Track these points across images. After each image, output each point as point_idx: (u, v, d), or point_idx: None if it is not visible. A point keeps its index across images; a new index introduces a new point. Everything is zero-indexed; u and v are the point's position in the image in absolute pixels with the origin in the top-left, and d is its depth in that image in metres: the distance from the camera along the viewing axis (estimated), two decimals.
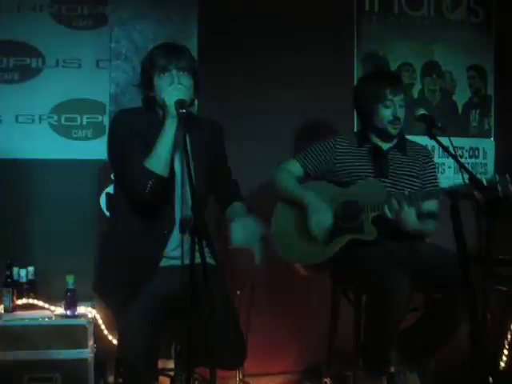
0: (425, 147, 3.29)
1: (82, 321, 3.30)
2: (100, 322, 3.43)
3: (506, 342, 3.47)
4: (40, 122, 3.70)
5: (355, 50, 4.02)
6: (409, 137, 3.29)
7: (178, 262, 2.53)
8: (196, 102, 2.80)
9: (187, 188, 2.30)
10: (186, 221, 2.20)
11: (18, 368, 3.20)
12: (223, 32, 3.73)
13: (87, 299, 3.41)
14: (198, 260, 2.19)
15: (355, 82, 3.95)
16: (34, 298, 3.43)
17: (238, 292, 3.47)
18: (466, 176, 2.51)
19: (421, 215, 3.04)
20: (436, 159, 3.72)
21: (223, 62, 3.70)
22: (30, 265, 3.47)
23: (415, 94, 4.13)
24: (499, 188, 2.59)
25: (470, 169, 3.60)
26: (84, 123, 3.74)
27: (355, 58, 4.02)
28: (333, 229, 3.02)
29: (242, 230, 2.62)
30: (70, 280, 3.35)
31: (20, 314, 3.35)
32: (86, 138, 3.74)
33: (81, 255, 3.51)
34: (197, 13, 3.59)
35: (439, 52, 4.18)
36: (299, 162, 3.20)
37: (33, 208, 3.65)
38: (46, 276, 3.52)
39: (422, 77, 4.15)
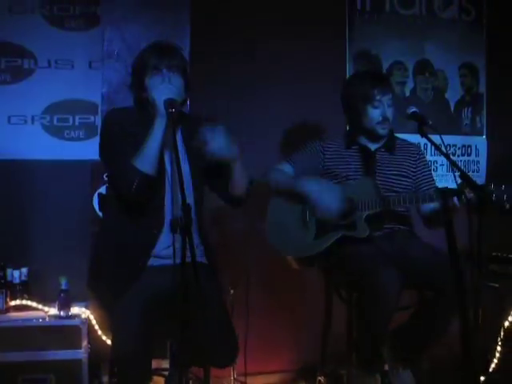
0: (415, 144, 3.29)
1: (75, 321, 3.30)
2: (94, 322, 3.42)
3: (498, 338, 3.47)
4: (32, 123, 3.71)
5: (347, 49, 4.03)
6: (400, 135, 3.29)
7: (169, 262, 2.54)
8: (188, 102, 2.78)
9: (178, 187, 2.30)
10: (176, 220, 2.20)
11: (11, 369, 3.20)
12: (215, 31, 3.73)
13: (81, 300, 3.41)
14: (189, 259, 2.19)
15: None
16: (27, 299, 3.43)
17: (232, 291, 3.47)
18: (458, 174, 2.52)
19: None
20: (428, 157, 3.74)
21: (215, 61, 3.71)
22: (24, 266, 3.47)
23: (407, 93, 4.14)
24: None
25: (461, 167, 3.65)
26: (76, 124, 3.75)
27: (347, 57, 4.03)
28: (325, 224, 3.03)
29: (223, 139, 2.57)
30: (63, 281, 3.35)
31: (13, 315, 3.35)
32: (79, 139, 3.75)
33: (74, 256, 3.51)
34: (189, 12, 3.58)
35: (431, 50, 4.19)
36: (289, 163, 3.21)
37: (26, 209, 3.66)
38: (40, 277, 3.52)
39: (414, 75, 4.16)
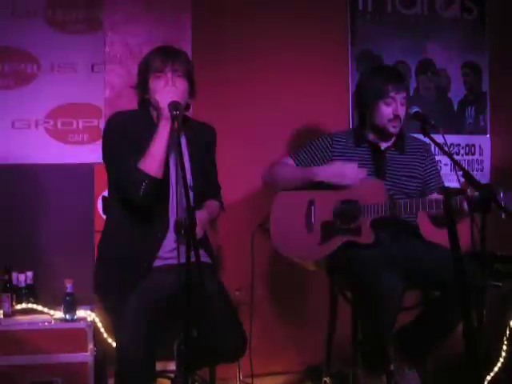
0: (424, 143, 3.18)
1: (81, 324, 3.31)
2: (99, 325, 3.42)
3: (504, 338, 3.47)
4: (36, 127, 3.72)
5: (349, 50, 4.02)
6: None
7: (174, 262, 2.55)
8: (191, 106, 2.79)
9: (182, 189, 2.31)
10: (180, 221, 2.21)
11: (17, 373, 3.22)
12: (217, 33, 3.74)
13: (86, 303, 3.42)
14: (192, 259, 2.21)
15: (350, 82, 3.98)
16: (33, 303, 3.44)
17: (237, 293, 3.47)
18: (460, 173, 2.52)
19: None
20: None
21: (217, 63, 3.71)
22: (29, 269, 3.47)
23: (410, 92, 4.12)
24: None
25: (465, 166, 3.64)
26: (80, 127, 3.76)
27: (350, 58, 4.02)
28: (330, 228, 3.01)
29: None
30: (68, 284, 3.35)
31: (19, 318, 3.36)
32: (82, 143, 3.76)
33: (79, 259, 3.52)
34: (190, 15, 3.60)
35: (433, 50, 4.18)
36: (293, 158, 3.17)
37: (30, 213, 3.66)
38: (45, 280, 3.53)
39: (416, 75, 4.16)
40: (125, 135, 2.61)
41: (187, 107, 2.71)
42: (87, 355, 3.27)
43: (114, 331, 2.68)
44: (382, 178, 3.06)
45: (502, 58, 4.25)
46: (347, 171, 2.98)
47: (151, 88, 2.62)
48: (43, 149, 3.71)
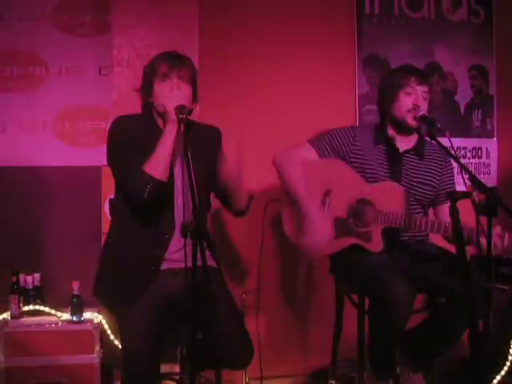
0: (444, 150, 2.94)
1: (88, 326, 3.34)
2: (106, 327, 3.45)
3: (511, 341, 3.46)
4: (44, 130, 3.74)
5: (356, 53, 4.02)
6: None
7: (179, 265, 2.56)
8: (194, 110, 2.80)
9: (188, 192, 2.32)
10: (186, 225, 2.22)
11: (25, 374, 3.25)
12: (224, 37, 3.75)
13: (93, 305, 3.43)
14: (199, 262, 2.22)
15: (356, 84, 3.98)
16: (40, 305, 3.47)
17: (244, 295, 3.48)
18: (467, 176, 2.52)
19: None
20: None
21: (224, 66, 3.72)
22: (36, 271, 3.50)
23: None
24: None
25: (471, 169, 3.63)
26: (88, 130, 3.78)
27: (356, 60, 4.02)
28: (341, 226, 2.97)
29: None
30: (75, 286, 3.39)
31: (27, 320, 3.38)
32: (90, 145, 3.77)
33: (86, 261, 3.52)
34: (197, 18, 3.61)
35: (440, 53, 4.17)
36: (314, 147, 3.06)
37: (37, 215, 3.68)
38: (52, 282, 3.56)
39: None
40: (129, 138, 2.62)
41: (190, 112, 2.72)
42: (94, 357, 3.30)
43: (120, 333, 2.69)
44: (397, 179, 3.01)
45: (509, 60, 4.24)
46: (313, 237, 2.92)
47: (156, 92, 2.63)
48: (51, 151, 3.73)
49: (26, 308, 3.43)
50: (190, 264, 2.24)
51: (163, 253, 2.64)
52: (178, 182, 2.61)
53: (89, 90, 3.75)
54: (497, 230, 2.67)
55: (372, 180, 3.01)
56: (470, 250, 2.48)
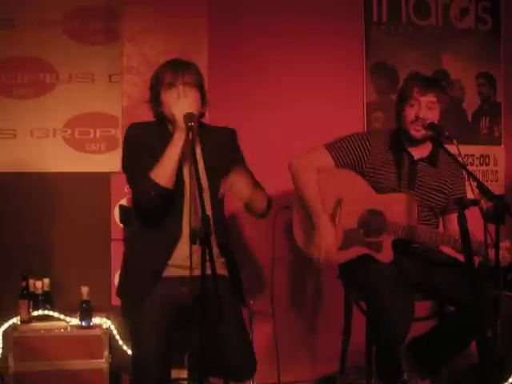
0: (457, 160, 2.90)
1: (96, 331, 3.35)
2: (115, 332, 3.46)
3: None
4: (54, 136, 3.77)
5: (364, 61, 4.04)
6: None
7: (187, 272, 2.58)
8: (205, 115, 2.81)
9: (196, 199, 2.34)
10: (195, 231, 2.23)
11: (34, 379, 3.26)
12: (233, 44, 3.78)
13: (102, 310, 3.46)
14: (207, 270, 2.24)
15: (364, 92, 4.00)
16: (49, 310, 3.48)
17: (252, 302, 3.48)
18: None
19: None
20: None
21: (233, 73, 3.74)
22: (46, 277, 3.51)
23: None
24: None
25: (479, 177, 3.63)
26: (97, 136, 3.80)
27: (364, 69, 4.04)
28: (352, 236, 2.98)
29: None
30: (84, 291, 3.40)
31: (36, 325, 3.40)
32: (99, 151, 3.80)
33: (95, 267, 3.56)
34: (206, 26, 3.64)
35: (448, 61, 4.19)
36: (330, 153, 3.05)
37: (47, 220, 3.71)
38: (61, 287, 3.57)
39: None
40: (141, 146, 2.64)
41: (201, 116, 2.74)
42: (102, 362, 3.31)
43: (131, 338, 2.70)
44: (411, 187, 3.01)
45: None
46: (322, 249, 2.92)
47: (164, 101, 2.65)
48: (61, 157, 3.76)
49: (35, 313, 3.44)
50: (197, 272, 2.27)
51: (167, 259, 2.64)
52: (188, 189, 2.63)
53: (99, 96, 3.78)
54: (506, 244, 2.67)
55: (386, 186, 3.01)
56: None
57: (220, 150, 2.77)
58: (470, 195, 3.04)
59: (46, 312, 3.47)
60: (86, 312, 3.38)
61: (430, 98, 2.94)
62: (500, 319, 2.48)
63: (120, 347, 3.46)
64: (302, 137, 3.89)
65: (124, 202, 3.50)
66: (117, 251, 3.35)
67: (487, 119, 4.28)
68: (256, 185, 2.69)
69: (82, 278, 3.48)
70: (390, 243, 2.93)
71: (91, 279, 3.44)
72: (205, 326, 2.30)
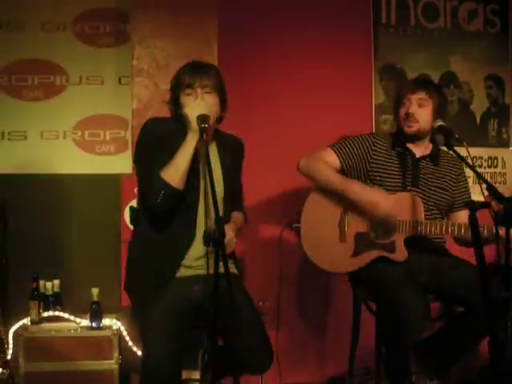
0: (457, 159, 3.07)
1: (106, 332, 3.36)
2: (125, 333, 3.47)
3: None
4: (64, 138, 3.80)
5: (373, 63, 4.05)
6: None
7: (200, 272, 2.60)
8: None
9: (210, 201, 2.35)
10: (209, 233, 2.25)
11: (44, 379, 3.27)
12: (243, 47, 3.79)
13: (112, 311, 3.47)
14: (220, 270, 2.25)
15: (373, 94, 4.01)
16: (59, 311, 3.49)
17: (260, 303, 3.49)
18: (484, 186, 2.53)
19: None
20: None
21: (243, 76, 3.75)
22: (56, 278, 3.53)
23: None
24: None
25: (488, 179, 3.64)
26: (107, 138, 3.83)
27: (373, 70, 4.05)
28: (364, 241, 2.99)
29: None
30: (94, 292, 3.41)
31: (46, 325, 3.41)
32: (109, 153, 3.82)
33: (105, 268, 3.58)
34: (217, 29, 3.65)
35: (456, 63, 4.19)
36: (336, 152, 3.09)
37: (57, 222, 3.73)
38: (72, 288, 3.59)
39: None
40: (157, 142, 2.64)
41: (219, 120, 2.75)
42: (112, 363, 3.31)
43: (141, 338, 2.71)
44: (415, 185, 3.04)
45: None
46: (382, 204, 2.93)
47: (182, 103, 2.67)
48: (71, 159, 3.78)
49: (45, 314, 3.46)
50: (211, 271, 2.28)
51: (180, 259, 2.66)
52: (201, 190, 2.64)
53: (109, 99, 3.81)
54: None
55: (391, 185, 3.04)
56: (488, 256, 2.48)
57: (232, 155, 2.81)
58: (477, 196, 3.06)
59: (57, 313, 3.48)
60: (96, 313, 3.39)
61: (421, 95, 3.02)
62: (510, 320, 2.49)
63: (130, 348, 3.47)
64: (310, 139, 3.89)
65: (134, 203, 3.50)
66: (127, 253, 3.36)
67: (495, 121, 4.28)
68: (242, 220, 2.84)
69: (92, 279, 3.50)
70: (403, 242, 2.94)
71: (101, 280, 3.46)
72: (219, 323, 2.32)
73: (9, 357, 3.42)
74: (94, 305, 3.40)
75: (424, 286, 2.95)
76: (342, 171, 3.09)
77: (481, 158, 4.22)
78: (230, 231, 2.59)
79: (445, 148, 3.12)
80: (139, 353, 3.37)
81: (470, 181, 4.09)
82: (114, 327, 3.41)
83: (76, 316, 3.48)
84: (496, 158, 4.26)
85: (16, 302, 3.50)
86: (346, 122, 3.87)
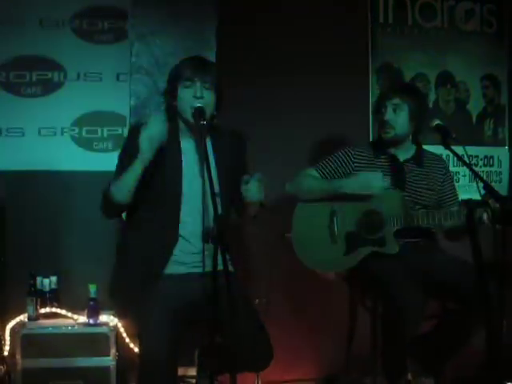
0: (440, 157, 3.28)
1: (104, 329, 3.35)
2: (122, 330, 3.47)
3: None
4: (62, 135, 3.79)
5: (370, 62, 4.06)
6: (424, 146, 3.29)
7: (197, 270, 2.61)
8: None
9: (209, 198, 2.36)
10: (207, 230, 2.26)
11: (41, 375, 3.27)
12: (241, 45, 3.80)
13: (109, 308, 3.46)
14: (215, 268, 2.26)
15: (370, 94, 4.02)
16: (56, 307, 3.50)
17: (257, 301, 3.50)
18: (481, 185, 2.55)
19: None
20: (451, 168, 3.73)
21: (241, 75, 3.76)
22: (53, 274, 3.53)
23: (430, 105, 4.15)
24: None
25: (484, 177, 3.66)
26: (105, 135, 3.83)
27: (370, 70, 4.06)
28: (354, 239, 3.05)
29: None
30: (92, 289, 3.41)
31: (43, 322, 3.42)
32: (107, 150, 3.82)
33: (103, 265, 3.55)
34: (215, 27, 3.66)
35: (453, 62, 4.22)
36: (319, 172, 3.19)
37: (55, 218, 3.73)
38: (69, 285, 3.59)
39: (436, 87, 4.19)
40: (134, 148, 2.63)
41: (213, 117, 2.76)
42: (109, 359, 3.31)
43: (138, 335, 2.72)
44: (401, 188, 3.10)
45: None
46: (373, 181, 3.01)
47: (179, 96, 2.68)
48: (69, 156, 3.78)
49: (42, 310, 3.46)
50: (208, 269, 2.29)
51: (169, 254, 2.67)
52: (199, 188, 2.64)
53: (106, 96, 3.80)
54: None
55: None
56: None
57: (231, 151, 2.80)
58: (472, 195, 3.08)
59: (54, 309, 3.49)
60: (94, 310, 3.39)
61: (394, 101, 3.09)
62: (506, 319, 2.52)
63: (127, 345, 3.48)
64: (307, 139, 3.93)
65: None
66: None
67: (491, 121, 4.30)
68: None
69: (90, 275, 3.49)
70: (392, 235, 3.00)
71: (99, 277, 3.44)
72: (217, 321, 2.33)
73: (6, 353, 3.42)
74: (91, 301, 3.40)
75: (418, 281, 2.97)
76: None
77: (477, 157, 4.24)
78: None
79: (427, 149, 3.22)
80: (136, 349, 3.38)
81: (466, 179, 4.15)
82: (112, 324, 3.40)
83: (73, 313, 3.48)
84: (492, 157, 4.29)
85: (13, 299, 3.49)
86: (343, 121, 3.89)
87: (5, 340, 3.44)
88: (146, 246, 2.69)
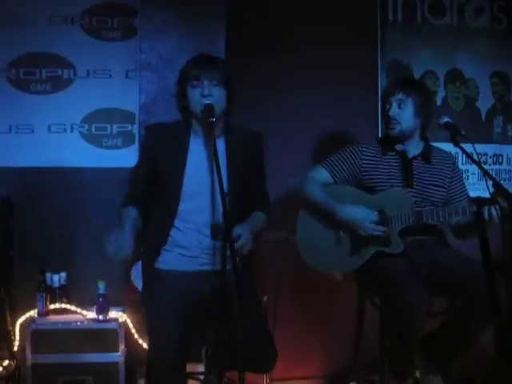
0: (449, 154, 3.24)
1: (113, 325, 3.38)
2: (131, 326, 3.49)
3: None
4: (72, 132, 3.81)
5: (379, 60, 4.05)
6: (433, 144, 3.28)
7: (208, 268, 2.62)
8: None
9: (218, 195, 2.37)
10: (217, 227, 2.26)
11: (50, 371, 3.30)
12: (250, 43, 3.79)
13: (118, 304, 3.49)
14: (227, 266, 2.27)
15: (379, 91, 4.01)
16: (66, 303, 3.52)
17: (265, 297, 3.51)
18: (490, 183, 2.55)
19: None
20: (460, 166, 3.73)
21: (250, 72, 3.76)
22: (63, 270, 3.56)
23: (439, 102, 4.15)
24: None
25: (493, 175, 3.65)
26: (114, 132, 3.84)
27: (379, 67, 4.06)
28: (359, 239, 3.03)
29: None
30: (101, 285, 3.43)
31: (53, 318, 3.44)
32: (116, 147, 3.83)
33: (112, 261, 3.58)
34: (224, 25, 3.66)
35: (462, 59, 4.20)
36: (326, 169, 3.17)
37: (64, 215, 3.74)
38: (78, 281, 3.61)
39: (445, 84, 4.18)
40: (154, 149, 2.72)
41: (227, 113, 2.76)
42: (118, 355, 3.33)
43: (148, 331, 2.73)
44: (409, 185, 3.08)
45: None
46: (364, 225, 2.98)
47: (188, 96, 2.69)
48: (78, 153, 3.79)
49: (52, 306, 3.49)
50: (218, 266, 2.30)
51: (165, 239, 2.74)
52: (208, 185, 2.66)
53: (116, 92, 3.81)
54: None
55: (386, 188, 3.08)
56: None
57: (245, 151, 2.80)
58: (481, 193, 3.08)
59: (63, 305, 3.51)
60: (103, 306, 3.41)
61: (399, 96, 3.07)
62: None
63: (136, 341, 3.49)
64: (316, 135, 3.93)
65: None
66: None
67: (501, 118, 4.29)
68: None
69: (99, 272, 3.50)
70: (397, 234, 2.99)
71: (108, 273, 3.47)
72: (225, 319, 2.33)
73: (15, 348, 3.45)
74: (100, 297, 3.41)
75: (425, 278, 2.97)
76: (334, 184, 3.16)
77: (486, 154, 4.22)
78: (246, 231, 2.55)
79: (436, 146, 3.20)
80: (145, 345, 3.40)
81: (475, 177, 4.14)
82: (121, 320, 3.43)
83: (82, 309, 3.51)
84: (501, 154, 4.27)
85: (23, 295, 3.52)
86: (352, 118, 3.89)
87: (15, 335, 3.46)
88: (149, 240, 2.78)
